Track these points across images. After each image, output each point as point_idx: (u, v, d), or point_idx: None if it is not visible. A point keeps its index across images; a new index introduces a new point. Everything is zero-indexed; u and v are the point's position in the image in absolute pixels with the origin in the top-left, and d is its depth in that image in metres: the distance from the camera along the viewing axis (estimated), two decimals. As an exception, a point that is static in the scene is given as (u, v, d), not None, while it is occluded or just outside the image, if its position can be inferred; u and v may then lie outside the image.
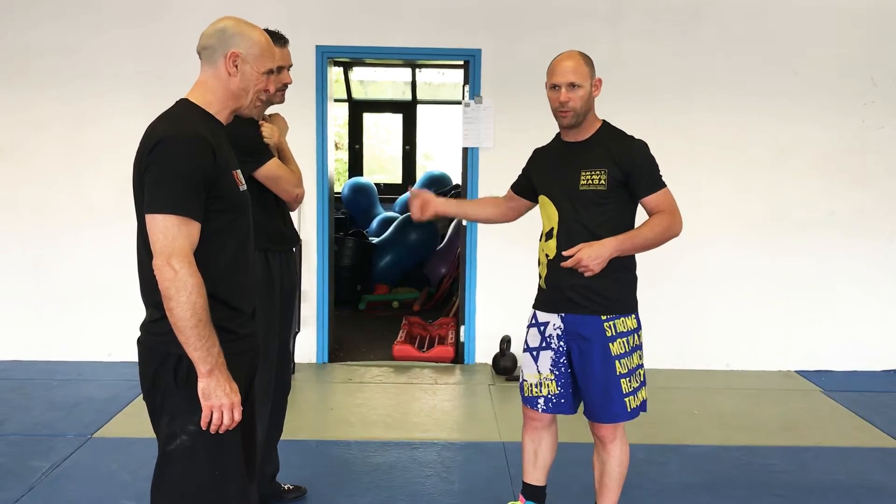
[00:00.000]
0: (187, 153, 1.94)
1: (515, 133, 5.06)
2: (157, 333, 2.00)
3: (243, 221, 2.14)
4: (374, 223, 8.35)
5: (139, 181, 1.98)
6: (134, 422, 4.19)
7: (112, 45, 5.10)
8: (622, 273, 2.77)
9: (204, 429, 1.97)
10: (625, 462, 2.91)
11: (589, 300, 2.75)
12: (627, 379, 2.77)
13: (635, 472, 3.66)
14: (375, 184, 9.26)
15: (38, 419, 4.24)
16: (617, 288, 2.75)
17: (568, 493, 3.40)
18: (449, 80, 9.42)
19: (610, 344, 2.75)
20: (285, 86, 2.96)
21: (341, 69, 8.92)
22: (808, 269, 5.33)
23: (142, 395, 2.12)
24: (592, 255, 2.62)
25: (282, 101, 2.99)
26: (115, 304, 5.12)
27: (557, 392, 2.86)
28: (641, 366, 2.86)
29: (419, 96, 9.48)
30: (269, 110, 3.07)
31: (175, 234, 1.90)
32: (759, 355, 5.38)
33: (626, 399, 2.78)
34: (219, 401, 1.95)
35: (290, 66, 2.99)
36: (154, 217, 1.92)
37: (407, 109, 9.56)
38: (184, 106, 2.08)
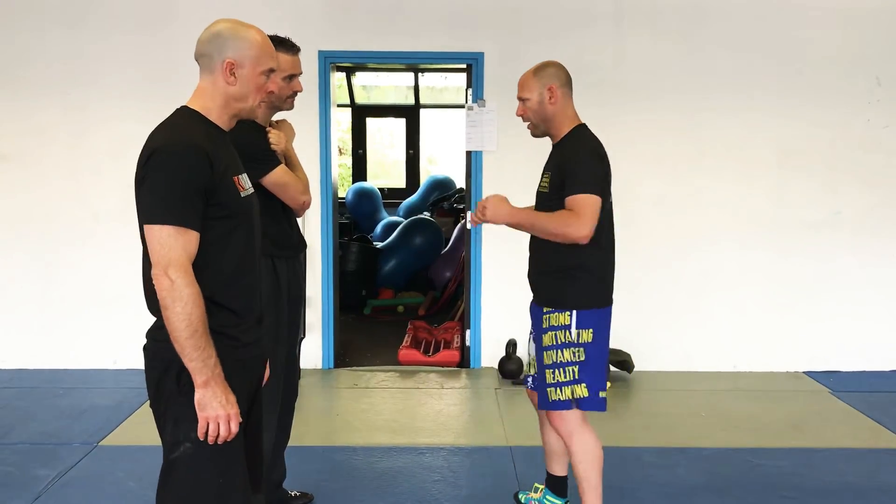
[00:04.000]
0: (181, 164, 1.93)
1: (519, 136, 4.94)
2: (161, 340, 1.99)
3: (247, 227, 2.11)
4: (379, 228, 8.36)
5: (138, 192, 1.98)
6: (140, 429, 4.18)
7: (115, 51, 5.11)
8: (559, 274, 2.89)
9: (201, 440, 1.96)
10: (585, 459, 2.90)
11: (536, 292, 3.01)
12: (551, 371, 2.89)
13: (643, 474, 3.66)
14: (379, 188, 9.29)
15: (44, 427, 4.23)
16: (554, 287, 2.91)
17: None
18: (452, 84, 9.42)
19: (542, 335, 2.93)
20: (295, 93, 2.96)
21: (344, 74, 8.93)
22: (814, 269, 5.31)
23: (148, 402, 2.12)
24: (490, 206, 2.82)
25: (291, 107, 2.99)
26: (120, 311, 5.12)
27: (534, 375, 3.08)
28: (574, 364, 2.85)
29: (422, 100, 9.49)
30: (276, 116, 3.07)
31: (171, 245, 1.91)
32: (766, 356, 5.35)
33: (548, 389, 2.90)
34: (214, 412, 1.94)
35: (301, 73, 2.98)
36: (150, 228, 1.93)
37: (410, 114, 9.57)
38: (182, 114, 2.07)
